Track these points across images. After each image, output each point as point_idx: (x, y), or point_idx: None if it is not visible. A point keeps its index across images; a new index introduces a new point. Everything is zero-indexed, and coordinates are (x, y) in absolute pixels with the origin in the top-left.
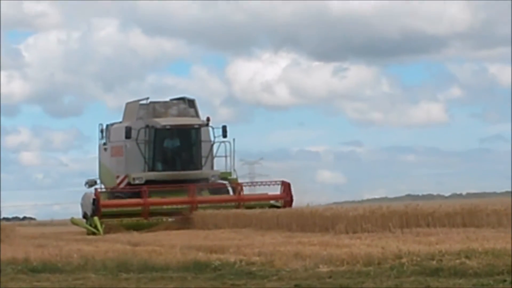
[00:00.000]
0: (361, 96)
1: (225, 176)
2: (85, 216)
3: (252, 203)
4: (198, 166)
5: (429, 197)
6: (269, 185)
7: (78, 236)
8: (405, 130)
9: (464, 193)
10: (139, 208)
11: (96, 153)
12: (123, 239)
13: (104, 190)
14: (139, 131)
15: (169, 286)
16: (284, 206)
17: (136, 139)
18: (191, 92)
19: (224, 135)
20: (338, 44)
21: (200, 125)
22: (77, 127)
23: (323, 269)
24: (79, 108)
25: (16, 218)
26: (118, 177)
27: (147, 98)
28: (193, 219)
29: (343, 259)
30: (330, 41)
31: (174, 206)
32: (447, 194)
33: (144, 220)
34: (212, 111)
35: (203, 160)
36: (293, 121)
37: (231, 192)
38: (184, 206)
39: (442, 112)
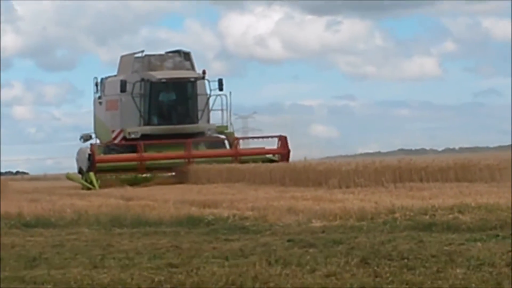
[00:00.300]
0: (355, 49)
1: (221, 130)
2: (80, 171)
3: (248, 157)
4: (194, 120)
5: (422, 151)
6: (266, 138)
7: (72, 191)
8: (398, 84)
9: (457, 147)
10: (135, 163)
11: (90, 107)
12: (116, 194)
13: (99, 144)
14: (134, 84)
15: (162, 240)
16: (281, 161)
17: (132, 93)
18: (185, 46)
19: (220, 89)
20: None
21: (196, 78)
22: (70, 81)
23: (316, 224)
24: (72, 62)
25: (9, 173)
26: (113, 131)
27: (142, 51)
28: (188, 174)
29: (336, 213)
30: None
31: (170, 161)
32: (440, 149)
33: (140, 175)
34: (205, 65)
35: (199, 113)
36: (287, 75)
37: (227, 146)
38: (180, 160)
39: (436, 66)
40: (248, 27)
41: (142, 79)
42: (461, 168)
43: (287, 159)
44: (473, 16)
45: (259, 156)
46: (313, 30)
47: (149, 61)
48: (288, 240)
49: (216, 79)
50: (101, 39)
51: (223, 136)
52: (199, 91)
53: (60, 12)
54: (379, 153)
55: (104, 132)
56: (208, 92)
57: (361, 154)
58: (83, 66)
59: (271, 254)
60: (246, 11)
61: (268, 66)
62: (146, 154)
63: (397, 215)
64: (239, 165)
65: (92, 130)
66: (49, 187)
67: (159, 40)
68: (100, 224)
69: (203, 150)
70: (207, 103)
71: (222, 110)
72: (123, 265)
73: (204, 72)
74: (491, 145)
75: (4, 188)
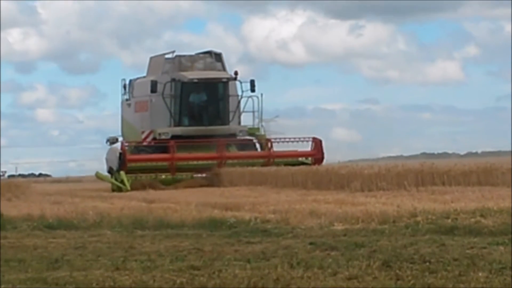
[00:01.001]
0: (377, 54)
1: (252, 132)
2: (110, 171)
3: (281, 160)
4: (226, 121)
5: (445, 155)
6: (299, 141)
7: (94, 193)
8: (421, 88)
9: (479, 151)
10: (165, 163)
11: (113, 110)
12: (138, 196)
13: (130, 144)
14: (165, 85)
15: (184, 243)
16: (315, 164)
17: (162, 93)
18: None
19: (252, 90)
20: (355, 1)
21: (228, 79)
22: (93, 84)
23: (338, 227)
24: (95, 65)
25: (32, 175)
26: (143, 132)
27: (173, 52)
28: (221, 176)
29: (358, 217)
30: None
31: (202, 162)
32: (462, 153)
33: (171, 176)
34: (228, 68)
35: (231, 115)
36: (309, 79)
37: (258, 149)
38: (212, 162)
39: (458, 70)
40: (271, 31)
41: (173, 80)
42: (483, 172)
43: (321, 162)
44: (496, 20)
45: (293, 159)
46: (336, 34)
47: (180, 62)
48: (310, 243)
49: (250, 80)
50: (124, 43)
51: (252, 138)
52: (230, 92)
53: (84, 15)
54: (401, 156)
55: (132, 134)
56: (240, 93)
57: (383, 158)
58: (106, 69)
59: (293, 257)
60: (269, 15)
61: (291, 70)
62: (178, 155)
63: (419, 218)
64: (273, 168)
65: (118, 133)
66: (71, 189)
67: (182, 44)
68: (122, 226)
69: (235, 152)
70: (238, 104)
71: (253, 112)
72: (145, 267)
73: (236, 73)
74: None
75: (26, 190)
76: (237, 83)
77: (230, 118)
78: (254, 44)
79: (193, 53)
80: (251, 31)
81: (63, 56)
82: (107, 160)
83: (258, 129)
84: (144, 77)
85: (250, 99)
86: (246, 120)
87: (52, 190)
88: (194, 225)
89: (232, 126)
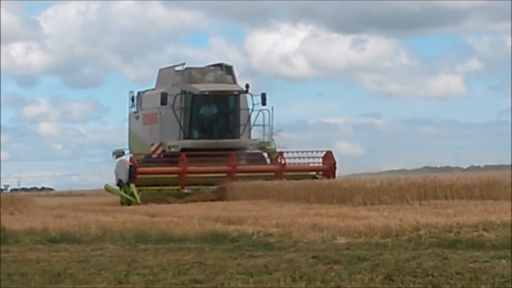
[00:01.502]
0: (380, 68)
1: (263, 145)
2: (119, 184)
3: (293, 173)
4: (236, 135)
5: (447, 169)
6: (309, 157)
7: (96, 207)
8: (423, 102)
9: (482, 165)
10: (175, 176)
11: (117, 124)
12: (141, 210)
13: (140, 156)
14: (175, 97)
15: (186, 257)
16: (326, 178)
17: (172, 106)
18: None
19: (263, 103)
20: (357, 16)
21: (240, 92)
22: (96, 98)
23: (341, 240)
24: (98, 79)
25: (34, 189)
26: (152, 145)
27: (183, 64)
28: (234, 190)
29: (361, 231)
30: (349, 13)
31: (213, 175)
32: (465, 166)
33: (182, 189)
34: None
35: (241, 128)
36: (312, 93)
37: (268, 162)
38: (222, 175)
39: (461, 84)
40: (274, 45)
41: (184, 92)
42: (486, 186)
43: (333, 176)
44: (498, 34)
45: (304, 172)
46: (339, 48)
47: (190, 74)
48: (313, 257)
49: (261, 93)
50: (127, 57)
51: (261, 152)
52: (241, 105)
53: (86, 29)
54: (404, 170)
55: (141, 146)
56: (251, 106)
57: (386, 172)
58: (109, 83)
59: (296, 271)
60: (271, 29)
61: (293, 84)
62: (189, 168)
63: (421, 232)
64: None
65: (122, 146)
66: (74, 203)
67: (184, 58)
68: (125, 240)
69: (247, 165)
70: (249, 117)
71: (264, 125)
72: (148, 281)
73: (247, 86)
74: None
75: (29, 204)
76: (248, 96)
77: (241, 131)
78: (257, 58)
79: (202, 65)
80: (253, 45)
81: (66, 70)
82: (116, 172)
83: (268, 142)
84: (153, 89)
85: (260, 112)
86: (255, 133)
87: (54, 204)
88: (196, 239)
89: (242, 140)
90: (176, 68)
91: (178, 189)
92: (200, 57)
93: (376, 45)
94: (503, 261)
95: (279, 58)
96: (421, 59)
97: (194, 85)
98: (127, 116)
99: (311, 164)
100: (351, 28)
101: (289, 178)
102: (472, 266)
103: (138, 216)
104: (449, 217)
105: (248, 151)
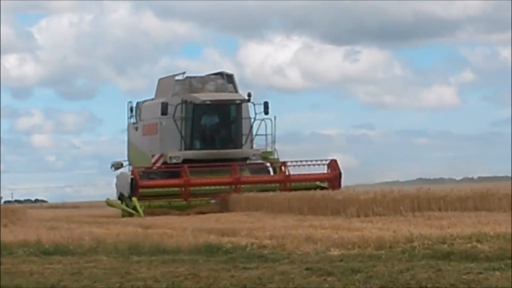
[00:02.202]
0: (373, 79)
1: (266, 155)
2: (120, 197)
3: (299, 184)
4: (238, 145)
5: (441, 180)
6: (314, 165)
7: (90, 219)
8: (417, 113)
9: (475, 177)
10: (177, 189)
11: (110, 136)
12: (134, 222)
13: (141, 169)
14: (176, 107)
15: (180, 268)
16: (332, 188)
17: (173, 116)
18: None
19: (266, 112)
20: (351, 27)
21: (242, 101)
22: (90, 110)
23: (335, 252)
24: (92, 91)
25: (28, 201)
26: (153, 156)
27: (183, 73)
28: (238, 201)
29: (355, 242)
30: (342, 24)
31: (217, 187)
32: (458, 178)
33: (185, 201)
34: None
35: (243, 138)
36: (305, 104)
37: (271, 173)
38: (226, 186)
39: (454, 96)
40: (267, 56)
41: (185, 101)
42: (479, 197)
43: (339, 186)
44: (491, 46)
45: (309, 183)
46: (332, 59)
47: (191, 83)
48: (306, 269)
49: (263, 102)
50: (121, 68)
51: (263, 161)
52: (243, 114)
53: (80, 41)
54: (397, 182)
55: (140, 158)
56: (253, 115)
57: (379, 183)
58: (103, 95)
59: (289, 283)
60: (265, 40)
61: (287, 96)
62: (192, 180)
63: (415, 244)
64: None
65: (117, 158)
66: (67, 215)
67: (178, 69)
68: (119, 252)
69: (250, 176)
70: (251, 127)
71: (266, 135)
72: None
73: (249, 95)
74: (510, 175)
75: (23, 216)
76: (250, 105)
77: (243, 141)
78: (250, 69)
79: (202, 74)
80: (247, 56)
81: (60, 82)
82: (117, 186)
83: (271, 152)
84: (152, 99)
85: (262, 121)
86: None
87: (48, 215)
88: (190, 251)
89: (245, 150)
90: (176, 78)
91: (184, 202)
92: (193, 68)
93: (370, 56)
94: (497, 273)
95: (273, 70)
96: (414, 70)
97: (195, 95)
98: (123, 127)
99: (316, 174)
100: (345, 39)
101: (294, 189)
102: (466, 277)
103: (131, 228)
104: (443, 229)
105: (251, 161)
